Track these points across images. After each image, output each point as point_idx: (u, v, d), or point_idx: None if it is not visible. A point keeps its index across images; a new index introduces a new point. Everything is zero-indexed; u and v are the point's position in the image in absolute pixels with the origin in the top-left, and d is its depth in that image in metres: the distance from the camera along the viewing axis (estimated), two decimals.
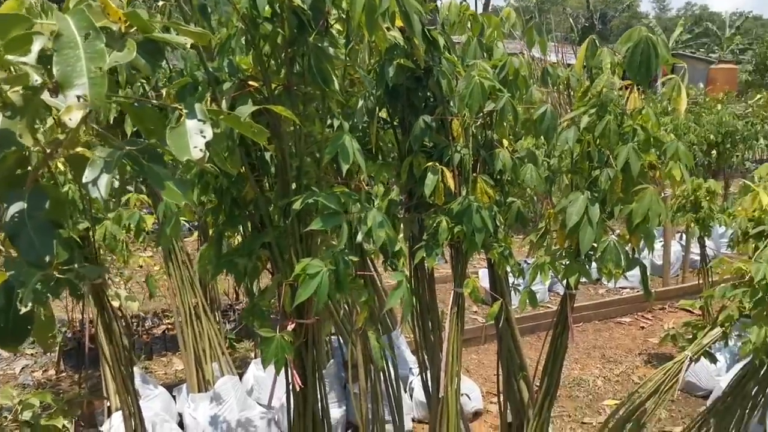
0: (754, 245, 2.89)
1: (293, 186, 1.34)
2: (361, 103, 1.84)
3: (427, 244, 1.82)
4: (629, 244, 1.88)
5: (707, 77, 16.99)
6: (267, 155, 1.42)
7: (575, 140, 1.76)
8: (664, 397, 2.27)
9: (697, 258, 5.90)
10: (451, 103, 1.91)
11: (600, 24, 29.44)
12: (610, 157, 1.78)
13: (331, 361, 3.00)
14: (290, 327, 1.31)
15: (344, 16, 1.40)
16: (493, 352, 4.30)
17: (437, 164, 1.80)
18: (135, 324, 4.24)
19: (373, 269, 2.98)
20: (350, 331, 1.93)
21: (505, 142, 2.08)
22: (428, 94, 1.93)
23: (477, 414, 3.46)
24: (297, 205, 1.23)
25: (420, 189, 1.87)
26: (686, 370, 2.25)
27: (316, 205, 1.25)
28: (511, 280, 2.60)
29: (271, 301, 1.53)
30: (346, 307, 2.73)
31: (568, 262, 1.86)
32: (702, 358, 2.35)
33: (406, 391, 3.38)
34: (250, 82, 1.30)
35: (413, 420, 3.31)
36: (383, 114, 2.02)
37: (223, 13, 1.09)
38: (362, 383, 2.16)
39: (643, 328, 4.89)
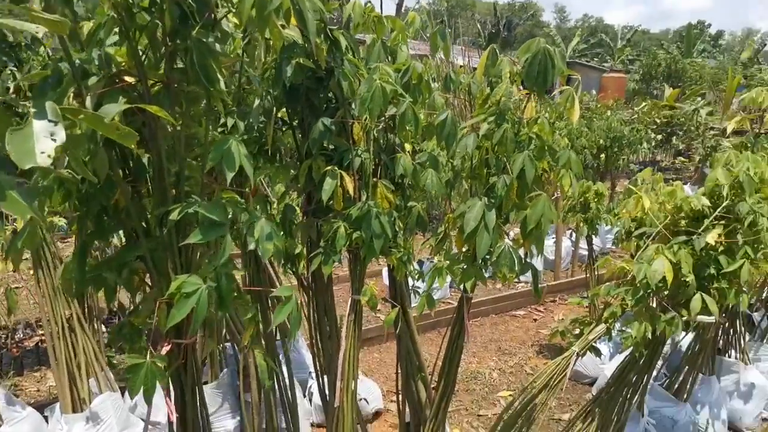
0: (635, 243, 3.11)
1: (173, 193, 1.22)
2: (257, 102, 1.74)
3: (325, 251, 1.76)
4: (522, 248, 1.93)
5: (600, 85, 18.25)
6: (145, 159, 1.28)
7: (474, 147, 1.77)
8: (554, 390, 2.37)
9: (586, 253, 6.30)
10: (353, 106, 1.85)
11: (506, 31, 30.72)
12: (507, 164, 1.80)
13: (225, 370, 2.86)
14: (165, 350, 1.20)
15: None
16: (394, 351, 4.31)
17: (336, 168, 1.74)
18: (4, 336, 3.81)
19: (273, 273, 2.88)
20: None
21: (408, 146, 2.06)
22: (329, 95, 1.86)
23: (378, 414, 3.46)
24: (174, 215, 1.12)
25: (319, 193, 1.80)
26: (574, 365, 2.37)
27: (197, 215, 1.14)
28: (411, 282, 2.60)
29: (149, 319, 1.40)
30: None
31: (465, 267, 1.87)
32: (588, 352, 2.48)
33: (305, 396, 3.31)
34: (126, 78, 1.16)
35: (312, 425, 3.25)
36: (282, 114, 1.92)
37: (89, 0, 0.96)
38: (254, 396, 2.07)
39: (535, 320, 5.15)
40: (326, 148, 1.85)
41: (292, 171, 1.94)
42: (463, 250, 1.89)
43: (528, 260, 1.93)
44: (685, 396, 3.07)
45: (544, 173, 2.00)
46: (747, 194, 2.40)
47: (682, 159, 13.06)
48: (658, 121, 12.18)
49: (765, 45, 25.59)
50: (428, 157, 1.95)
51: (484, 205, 1.75)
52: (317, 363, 2.21)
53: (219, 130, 1.59)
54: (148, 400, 1.12)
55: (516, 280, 5.94)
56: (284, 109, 1.89)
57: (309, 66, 1.66)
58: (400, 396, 2.55)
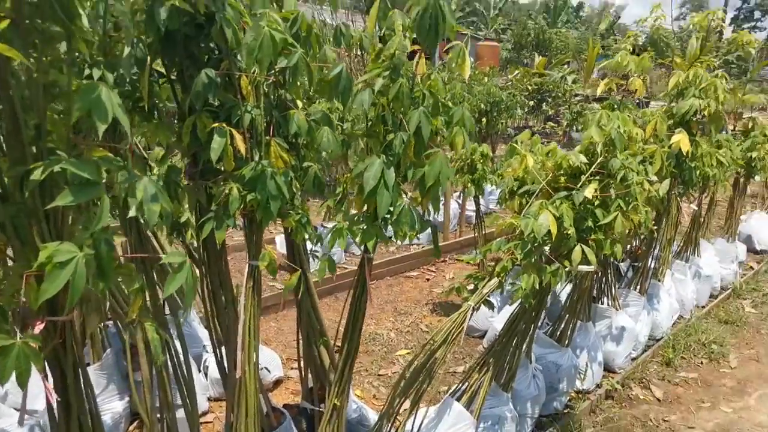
0: (518, 201, 3.27)
1: (33, 150, 1.04)
2: (127, 50, 1.55)
3: (217, 215, 1.64)
4: (419, 206, 1.93)
5: (476, 53, 18.95)
6: None
7: (370, 103, 1.72)
8: (452, 344, 2.45)
9: (472, 214, 6.58)
10: (239, 57, 1.72)
11: None
12: (403, 120, 1.77)
13: (108, 350, 2.64)
14: (38, 329, 1.04)
15: None
16: (292, 318, 4.26)
17: (225, 126, 1.61)
18: None
19: (157, 245, 2.67)
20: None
21: (299, 104, 1.96)
22: (211, 45, 1.71)
23: (278, 382, 3.40)
24: (37, 175, 0.96)
25: (206, 153, 1.66)
26: (470, 319, 2.45)
27: (65, 174, 0.98)
28: (308, 246, 2.53)
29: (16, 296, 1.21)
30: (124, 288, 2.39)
31: (365, 227, 1.84)
32: (482, 306, 2.58)
33: (200, 371, 3.16)
34: None
35: (209, 399, 3.13)
36: (158, 65, 1.73)
37: None
38: (145, 373, 1.91)
39: (428, 280, 5.31)
40: (211, 103, 1.70)
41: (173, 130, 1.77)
42: (363, 210, 1.86)
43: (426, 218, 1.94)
44: (566, 342, 3.32)
45: (437, 132, 2.00)
46: (618, 151, 2.59)
47: (552, 124, 13.99)
48: (530, 87, 12.92)
49: (619, 17, 28.05)
50: (321, 116, 1.87)
51: (383, 163, 1.72)
52: (213, 335, 2.10)
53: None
54: (23, 385, 0.97)
55: (408, 242, 6.09)
56: (160, 60, 1.71)
57: (186, 10, 1.50)
58: (302, 362, 2.51)
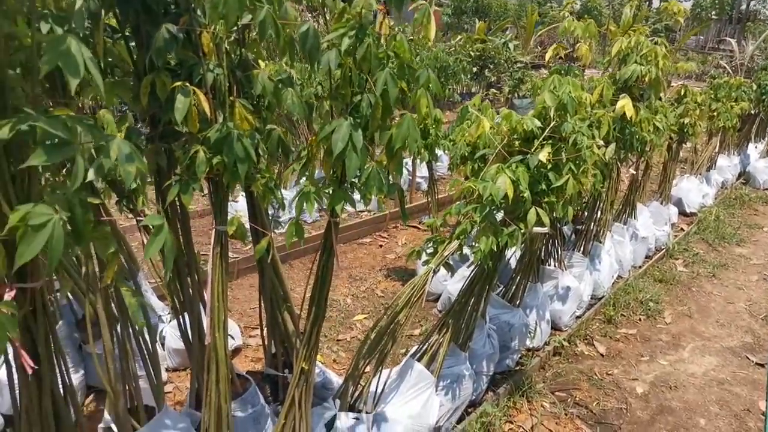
0: (472, 167, 3.32)
1: None
2: (80, 3, 1.45)
3: (182, 179, 1.58)
4: (386, 170, 1.93)
5: (415, 18, 18.79)
6: None
7: (337, 63, 1.69)
8: (414, 306, 2.50)
9: (420, 180, 6.63)
10: (198, 13, 1.65)
11: None
12: (370, 82, 1.76)
13: (60, 321, 2.54)
14: (9, 295, 0.99)
15: None
16: (247, 286, 4.22)
17: (188, 85, 1.55)
18: None
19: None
20: (89, 286, 1.61)
21: (262, 64, 1.91)
22: None
23: (237, 351, 3.38)
24: (5, 133, 0.89)
25: (167, 114, 1.60)
26: (431, 281, 2.51)
27: (34, 133, 0.93)
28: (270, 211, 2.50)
29: None
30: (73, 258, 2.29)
31: (332, 190, 1.83)
32: (441, 269, 2.64)
33: (156, 341, 3.09)
34: None
35: (167, 369, 3.08)
36: (111, 20, 1.64)
37: None
38: (107, 344, 1.86)
39: (381, 246, 5.35)
40: (170, 61, 1.63)
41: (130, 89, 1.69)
42: (331, 173, 1.84)
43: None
44: (518, 302, 3.46)
45: (403, 96, 1.99)
46: (569, 115, 2.67)
47: (494, 90, 14.14)
48: (473, 54, 12.95)
49: None
50: (286, 77, 1.83)
51: (351, 125, 1.70)
52: (174, 302, 2.05)
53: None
54: (1, 350, 0.92)
55: (359, 208, 6.08)
56: (113, 15, 1.62)
57: None
58: (265, 329, 2.49)
